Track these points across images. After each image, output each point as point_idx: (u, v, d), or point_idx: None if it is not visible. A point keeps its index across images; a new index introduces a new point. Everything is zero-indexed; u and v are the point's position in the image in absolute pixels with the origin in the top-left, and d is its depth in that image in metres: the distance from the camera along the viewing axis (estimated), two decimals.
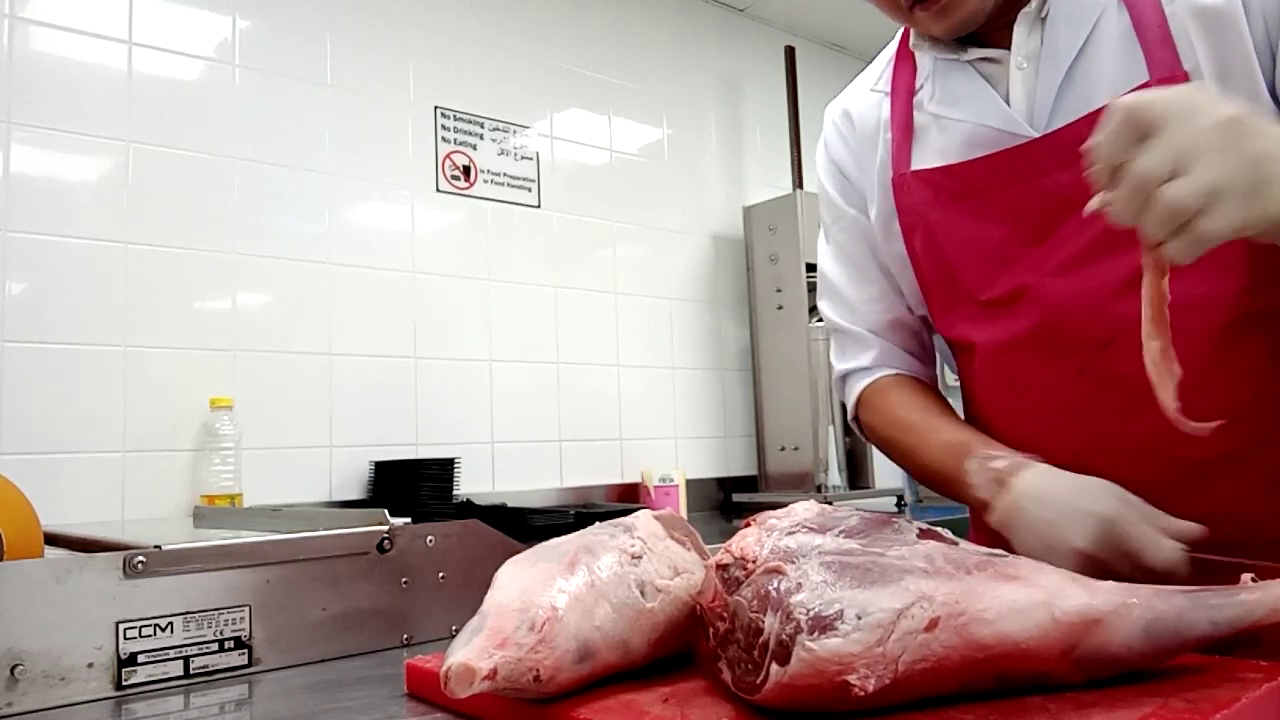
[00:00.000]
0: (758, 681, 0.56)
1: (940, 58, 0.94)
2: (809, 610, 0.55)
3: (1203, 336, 0.77)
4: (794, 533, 0.61)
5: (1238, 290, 0.79)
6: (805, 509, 0.65)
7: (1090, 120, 0.82)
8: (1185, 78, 0.78)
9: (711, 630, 0.62)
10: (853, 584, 0.56)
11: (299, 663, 0.88)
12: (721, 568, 0.62)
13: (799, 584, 0.56)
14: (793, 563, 0.58)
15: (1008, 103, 0.89)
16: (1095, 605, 0.58)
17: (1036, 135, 0.87)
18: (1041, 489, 0.79)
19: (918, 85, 0.98)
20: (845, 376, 1.08)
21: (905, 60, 1.00)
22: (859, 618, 0.54)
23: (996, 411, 0.97)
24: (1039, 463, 0.82)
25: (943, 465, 0.93)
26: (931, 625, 0.55)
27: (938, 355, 1.09)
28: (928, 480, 0.98)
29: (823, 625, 0.54)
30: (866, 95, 1.04)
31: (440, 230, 2.40)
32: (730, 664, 0.59)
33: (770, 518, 0.64)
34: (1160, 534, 0.73)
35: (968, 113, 0.92)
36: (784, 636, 0.54)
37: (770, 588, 0.57)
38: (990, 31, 0.90)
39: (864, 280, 1.05)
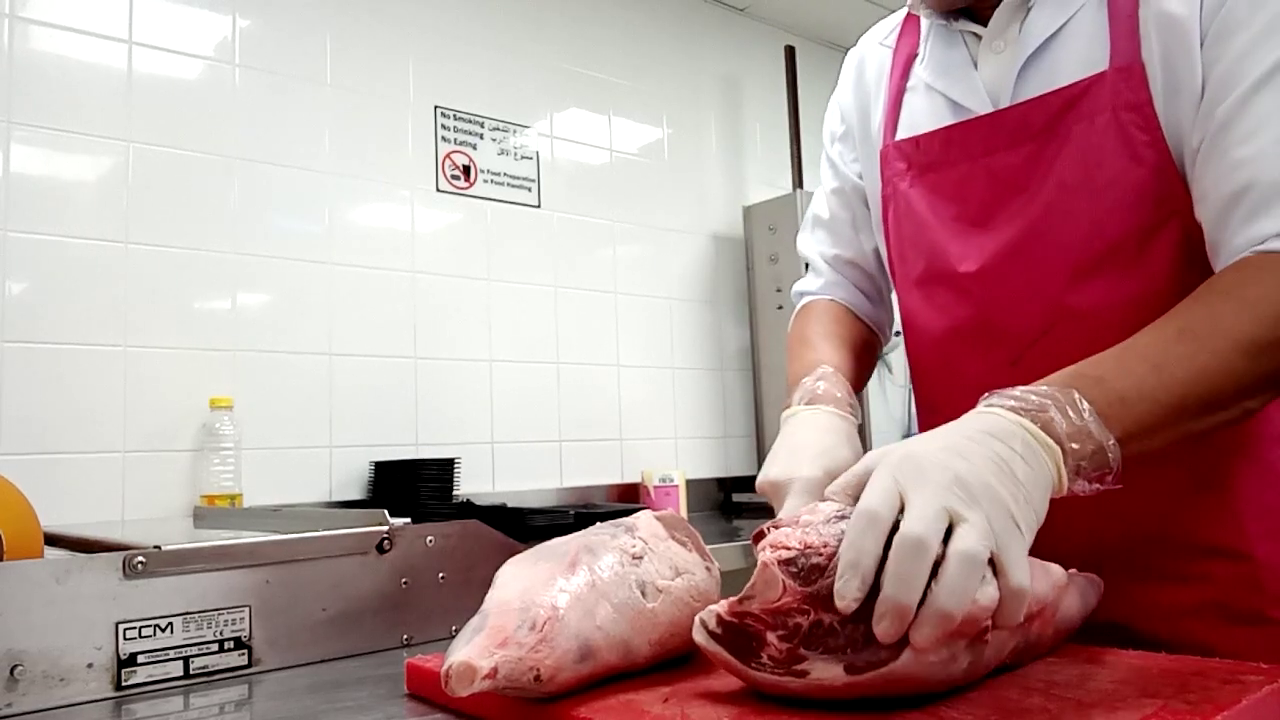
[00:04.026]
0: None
1: (935, 23, 0.95)
2: None
3: (1124, 339, 0.76)
4: (837, 521, 0.60)
5: (1171, 294, 0.78)
6: (823, 505, 0.63)
7: (1040, 103, 0.84)
8: (1142, 70, 0.79)
9: (778, 634, 0.57)
10: None
11: (299, 663, 0.88)
12: (787, 563, 0.58)
13: None
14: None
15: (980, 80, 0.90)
16: (1062, 574, 0.68)
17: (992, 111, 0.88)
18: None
19: (917, 49, 0.98)
20: (799, 297, 1.17)
21: (914, 20, 1.01)
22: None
23: (937, 396, 0.98)
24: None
25: (790, 381, 1.00)
26: None
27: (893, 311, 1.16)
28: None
29: None
30: (877, 49, 1.06)
31: (440, 230, 2.40)
32: (839, 650, 0.55)
33: (796, 516, 0.62)
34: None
35: (944, 83, 0.93)
36: None
37: None
38: (984, 8, 0.90)
39: (838, 222, 1.12)
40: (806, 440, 0.88)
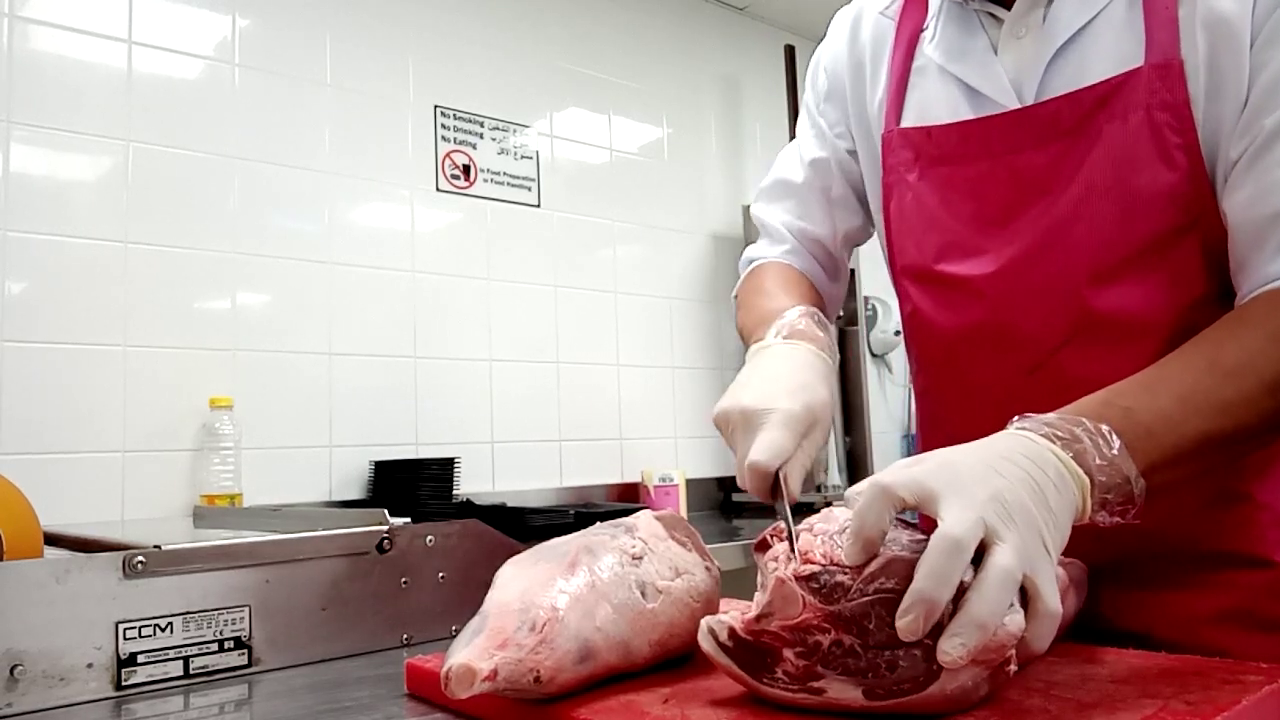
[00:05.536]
0: (935, 668, 0.53)
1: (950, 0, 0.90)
2: None
3: (1149, 349, 0.75)
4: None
5: (1190, 303, 0.77)
6: (838, 512, 0.62)
7: (1071, 100, 0.79)
8: (1180, 68, 0.75)
9: (795, 650, 0.56)
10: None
11: (299, 663, 0.88)
12: (808, 579, 0.57)
13: None
14: (903, 556, 0.55)
15: (1002, 68, 0.85)
16: (1064, 574, 0.69)
17: (1016, 107, 0.83)
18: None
19: (924, 25, 0.93)
20: (748, 264, 1.07)
21: None
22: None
23: (946, 401, 0.94)
24: None
25: (747, 327, 0.93)
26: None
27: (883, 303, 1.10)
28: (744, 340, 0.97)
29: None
30: (876, 16, 0.99)
31: (440, 230, 2.40)
32: (860, 673, 0.55)
33: (810, 525, 0.62)
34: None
35: (961, 68, 0.88)
36: None
37: None
38: None
39: (811, 194, 1.04)
40: (784, 371, 0.80)
